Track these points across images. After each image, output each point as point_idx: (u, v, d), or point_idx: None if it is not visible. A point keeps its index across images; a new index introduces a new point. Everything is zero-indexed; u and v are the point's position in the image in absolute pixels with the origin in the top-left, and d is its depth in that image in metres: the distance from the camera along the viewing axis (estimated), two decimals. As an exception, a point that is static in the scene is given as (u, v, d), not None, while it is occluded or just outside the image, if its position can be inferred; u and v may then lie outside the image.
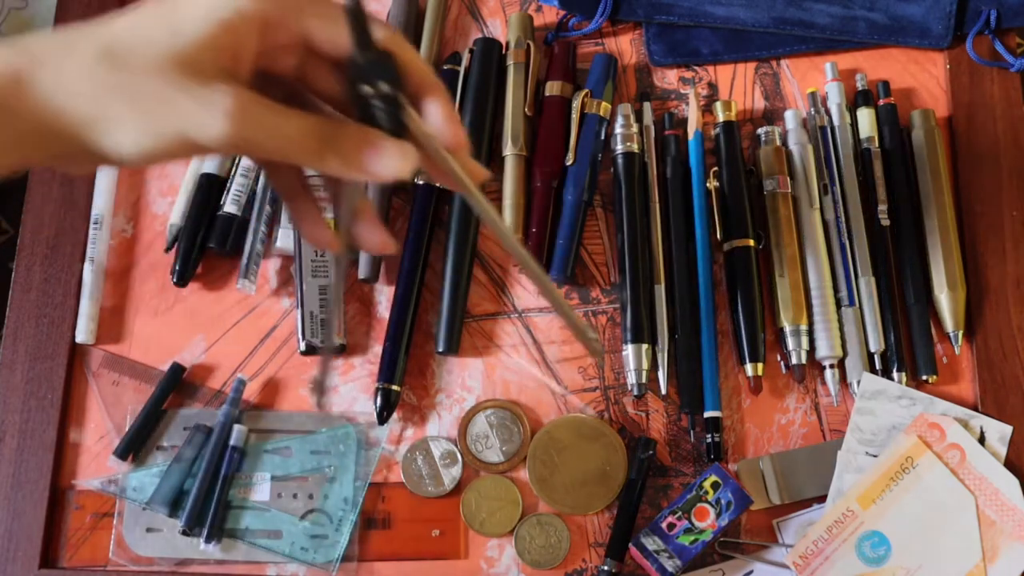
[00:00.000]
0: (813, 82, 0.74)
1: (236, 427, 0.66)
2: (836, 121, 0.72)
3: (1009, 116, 0.72)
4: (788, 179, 0.70)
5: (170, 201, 0.72)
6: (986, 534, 0.62)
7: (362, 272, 0.69)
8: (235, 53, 0.40)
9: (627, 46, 0.76)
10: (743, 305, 0.68)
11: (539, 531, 0.65)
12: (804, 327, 0.67)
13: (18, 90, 0.38)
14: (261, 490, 0.66)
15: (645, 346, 0.67)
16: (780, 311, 0.68)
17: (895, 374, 0.67)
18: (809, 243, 0.69)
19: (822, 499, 0.65)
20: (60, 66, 0.38)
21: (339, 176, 0.42)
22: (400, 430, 0.67)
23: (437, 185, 0.70)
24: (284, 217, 0.70)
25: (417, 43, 0.74)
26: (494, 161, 0.72)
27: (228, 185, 0.70)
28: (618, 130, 0.71)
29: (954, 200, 0.71)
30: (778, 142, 0.71)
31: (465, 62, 0.73)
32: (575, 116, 0.71)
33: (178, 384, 0.68)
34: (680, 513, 0.63)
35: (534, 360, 0.69)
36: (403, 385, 0.67)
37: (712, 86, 0.74)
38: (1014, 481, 0.63)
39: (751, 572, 0.64)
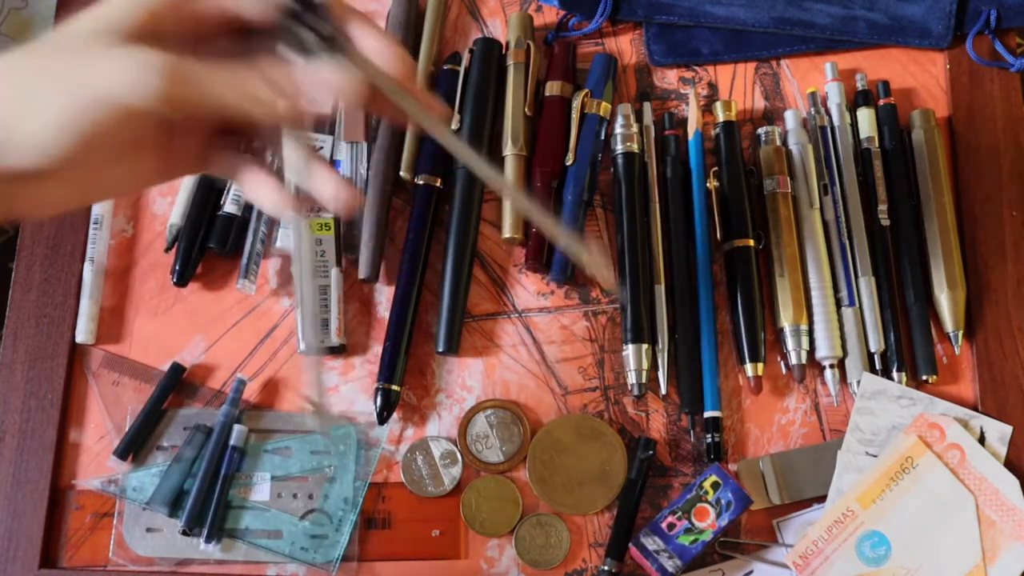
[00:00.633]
0: (813, 82, 0.74)
1: (236, 427, 0.66)
2: (836, 121, 0.72)
3: (1009, 116, 0.72)
4: (788, 179, 0.70)
5: (170, 201, 0.72)
6: (986, 534, 0.62)
7: (362, 272, 0.69)
8: (155, 25, 0.40)
9: (627, 46, 0.76)
10: (743, 305, 0.68)
11: (539, 531, 0.65)
12: (804, 327, 0.67)
13: None
14: (261, 490, 0.66)
15: (645, 346, 0.67)
16: (780, 311, 0.68)
17: (895, 374, 0.67)
18: (809, 243, 0.69)
19: (822, 499, 0.65)
20: None
21: (284, 117, 0.40)
22: (400, 430, 0.67)
23: (437, 185, 0.70)
24: (284, 217, 0.70)
25: (417, 43, 0.74)
26: (494, 161, 0.72)
27: (228, 185, 0.70)
28: (618, 130, 0.71)
29: (954, 200, 0.71)
30: (778, 142, 0.71)
31: (465, 62, 0.73)
32: (575, 116, 0.72)
33: (178, 384, 0.68)
34: (680, 513, 0.63)
35: (534, 360, 0.69)
36: (403, 385, 0.67)
37: (712, 86, 0.74)
38: (1014, 481, 0.63)
39: (751, 572, 0.64)
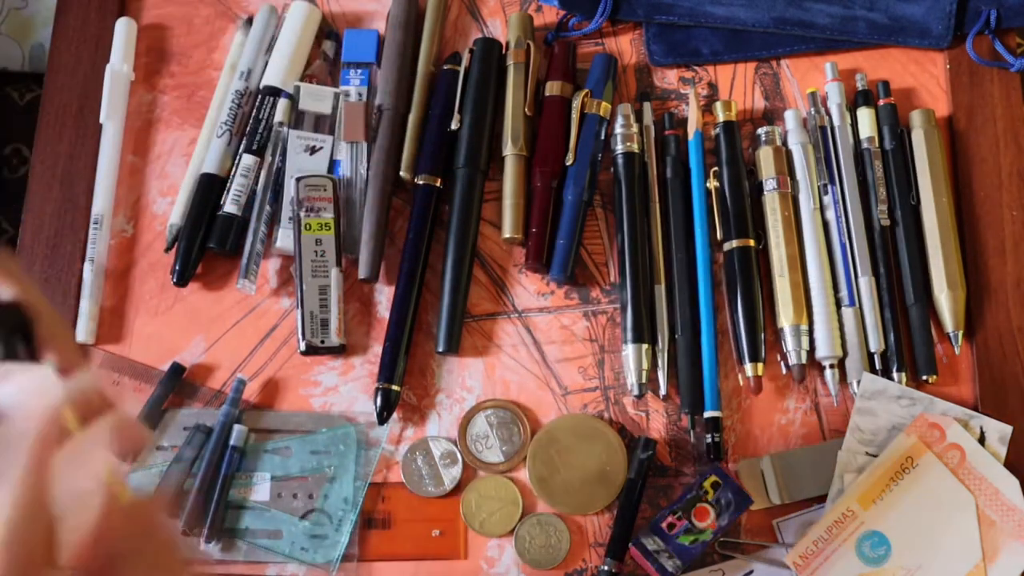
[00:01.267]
0: (813, 82, 0.74)
1: (236, 427, 0.66)
2: (836, 121, 0.72)
3: (1009, 116, 0.72)
4: (788, 179, 0.70)
5: (170, 201, 0.72)
6: (986, 534, 0.62)
7: (362, 272, 0.69)
8: None
9: (627, 46, 0.76)
10: (743, 305, 0.68)
11: (539, 531, 0.65)
12: (804, 327, 0.67)
13: None
14: (261, 490, 0.66)
15: (645, 346, 0.67)
16: (780, 311, 0.68)
17: (895, 374, 0.67)
18: (809, 243, 0.69)
19: (822, 499, 0.65)
20: None
21: None
22: (400, 430, 0.67)
23: (437, 185, 0.70)
24: (284, 217, 0.70)
25: (417, 43, 0.74)
26: (494, 161, 0.72)
27: (228, 185, 0.70)
28: (618, 130, 0.71)
29: (954, 200, 0.71)
30: (778, 142, 0.71)
31: (465, 62, 0.73)
32: (575, 116, 0.71)
33: (178, 384, 0.68)
34: (680, 513, 0.63)
35: (534, 360, 0.69)
36: (403, 385, 0.67)
37: (712, 86, 0.74)
38: (1014, 481, 0.63)
39: (751, 572, 0.64)
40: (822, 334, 0.67)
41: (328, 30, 0.76)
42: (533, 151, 0.72)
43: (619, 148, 0.71)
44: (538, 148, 0.71)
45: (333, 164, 0.71)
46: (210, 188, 0.70)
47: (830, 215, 0.70)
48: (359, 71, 0.74)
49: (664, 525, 0.63)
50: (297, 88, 0.72)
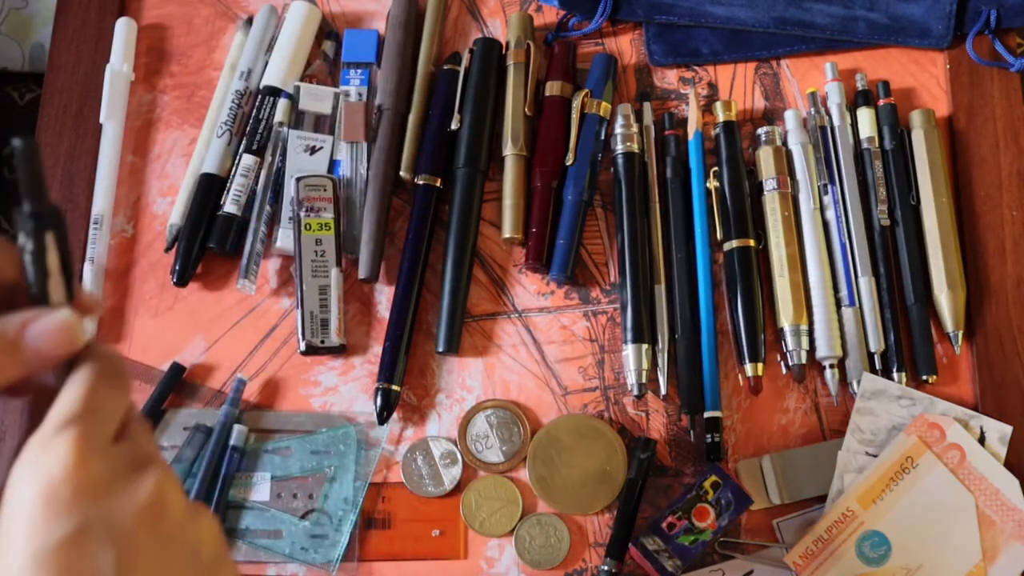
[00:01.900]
0: (813, 82, 0.74)
1: (236, 427, 0.66)
2: (836, 121, 0.72)
3: (1009, 116, 0.72)
4: (788, 179, 0.70)
5: (170, 201, 0.72)
6: (986, 534, 0.62)
7: (362, 272, 0.69)
8: None
9: (627, 46, 0.76)
10: (743, 305, 0.68)
11: (539, 531, 0.65)
12: (804, 327, 0.67)
13: None
14: (261, 490, 0.66)
15: (645, 346, 0.67)
16: (780, 311, 0.68)
17: (895, 374, 0.67)
18: (809, 243, 0.69)
19: (822, 499, 0.65)
20: None
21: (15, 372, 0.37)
22: (400, 430, 0.67)
23: (437, 185, 0.70)
24: (284, 217, 0.70)
25: (417, 43, 0.74)
26: (494, 161, 0.72)
27: (228, 185, 0.70)
28: (618, 130, 0.71)
29: (954, 200, 0.71)
30: (778, 142, 0.71)
31: (465, 62, 0.73)
32: (575, 116, 0.72)
33: (178, 384, 0.68)
34: (680, 513, 0.63)
35: (534, 360, 0.69)
36: (403, 385, 0.67)
37: (712, 86, 0.74)
38: (1014, 481, 0.63)
39: (751, 572, 0.64)
40: (822, 334, 0.67)
41: (328, 30, 0.76)
42: (533, 151, 0.72)
43: (619, 148, 0.71)
44: (538, 148, 0.71)
45: (333, 164, 0.71)
46: (210, 188, 0.70)
47: (830, 215, 0.70)
48: (359, 71, 0.74)
49: (664, 525, 0.63)
50: (297, 88, 0.72)
